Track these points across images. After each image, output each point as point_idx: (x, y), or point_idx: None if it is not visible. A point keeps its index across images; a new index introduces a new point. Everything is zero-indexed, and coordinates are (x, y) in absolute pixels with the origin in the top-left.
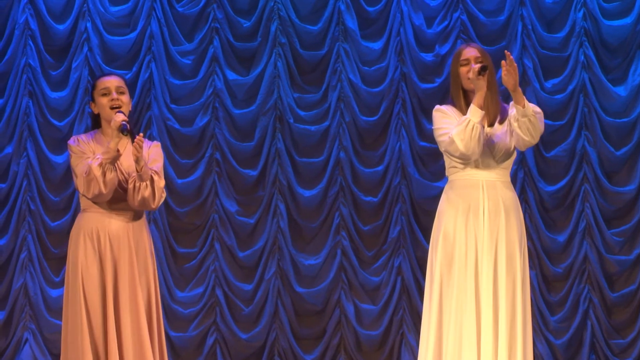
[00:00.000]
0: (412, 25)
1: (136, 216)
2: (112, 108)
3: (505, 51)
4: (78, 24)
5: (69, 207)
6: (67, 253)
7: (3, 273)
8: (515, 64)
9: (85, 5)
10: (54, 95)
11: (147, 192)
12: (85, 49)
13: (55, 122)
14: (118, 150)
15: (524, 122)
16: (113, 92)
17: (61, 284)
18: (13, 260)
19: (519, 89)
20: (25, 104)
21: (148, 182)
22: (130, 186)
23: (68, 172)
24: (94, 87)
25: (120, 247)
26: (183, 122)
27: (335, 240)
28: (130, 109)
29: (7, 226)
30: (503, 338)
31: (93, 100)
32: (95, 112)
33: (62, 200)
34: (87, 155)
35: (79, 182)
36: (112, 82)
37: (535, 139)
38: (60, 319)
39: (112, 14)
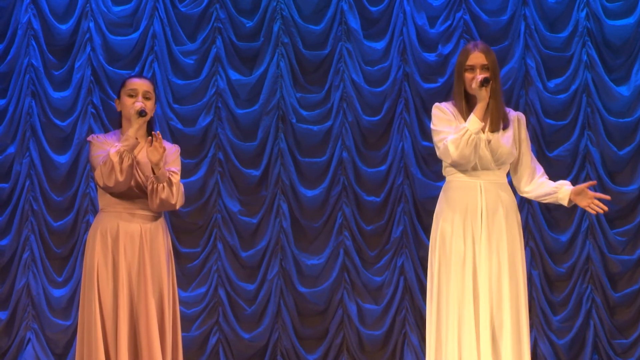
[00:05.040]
0: (414, 25)
1: (153, 217)
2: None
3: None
4: (81, 24)
5: (72, 207)
6: (70, 252)
7: (6, 273)
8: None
9: (87, 5)
10: (57, 95)
11: (164, 194)
12: (88, 48)
13: (58, 122)
14: (137, 138)
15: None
16: (140, 96)
17: (64, 283)
18: (16, 260)
19: None
20: (28, 104)
21: (165, 184)
22: (149, 188)
23: (71, 172)
24: (122, 85)
25: (133, 247)
26: (186, 122)
27: (337, 240)
28: (152, 115)
29: (10, 226)
30: (507, 338)
31: (119, 97)
32: (118, 109)
33: (64, 200)
34: (106, 148)
35: (97, 173)
36: (141, 85)
37: None
38: (63, 319)
39: (115, 14)
